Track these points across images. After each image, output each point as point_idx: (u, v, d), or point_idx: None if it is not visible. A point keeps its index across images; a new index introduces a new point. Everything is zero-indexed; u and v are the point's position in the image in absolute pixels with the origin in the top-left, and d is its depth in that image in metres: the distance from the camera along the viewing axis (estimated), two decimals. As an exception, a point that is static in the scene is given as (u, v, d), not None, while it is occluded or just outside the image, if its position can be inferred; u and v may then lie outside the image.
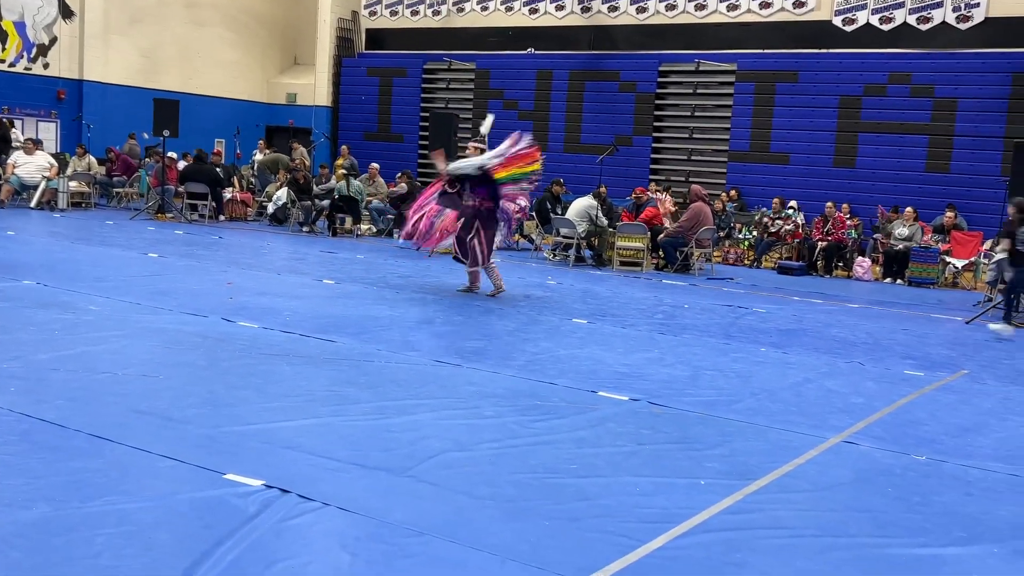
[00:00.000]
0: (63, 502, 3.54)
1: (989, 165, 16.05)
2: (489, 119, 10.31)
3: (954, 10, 16.77)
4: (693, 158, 19.28)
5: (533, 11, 21.22)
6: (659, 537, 3.56)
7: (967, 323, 10.35)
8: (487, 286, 9.99)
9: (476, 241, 9.60)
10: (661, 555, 3.41)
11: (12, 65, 20.14)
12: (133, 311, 7.55)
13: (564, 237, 14.35)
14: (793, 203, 16.92)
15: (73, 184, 17.33)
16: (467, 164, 9.64)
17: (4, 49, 19.98)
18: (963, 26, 16.76)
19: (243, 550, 3.21)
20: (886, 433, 5.30)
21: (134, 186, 19.08)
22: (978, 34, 16.65)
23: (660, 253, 14.47)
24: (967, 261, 14.70)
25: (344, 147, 19.97)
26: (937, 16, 16.95)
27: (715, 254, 15.53)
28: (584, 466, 4.37)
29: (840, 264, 15.41)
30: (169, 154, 17.79)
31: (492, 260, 9.80)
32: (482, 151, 9.67)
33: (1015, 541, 3.77)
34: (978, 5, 16.55)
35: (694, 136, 19.29)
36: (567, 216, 14.39)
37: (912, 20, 17.16)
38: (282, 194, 17.32)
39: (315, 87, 23.73)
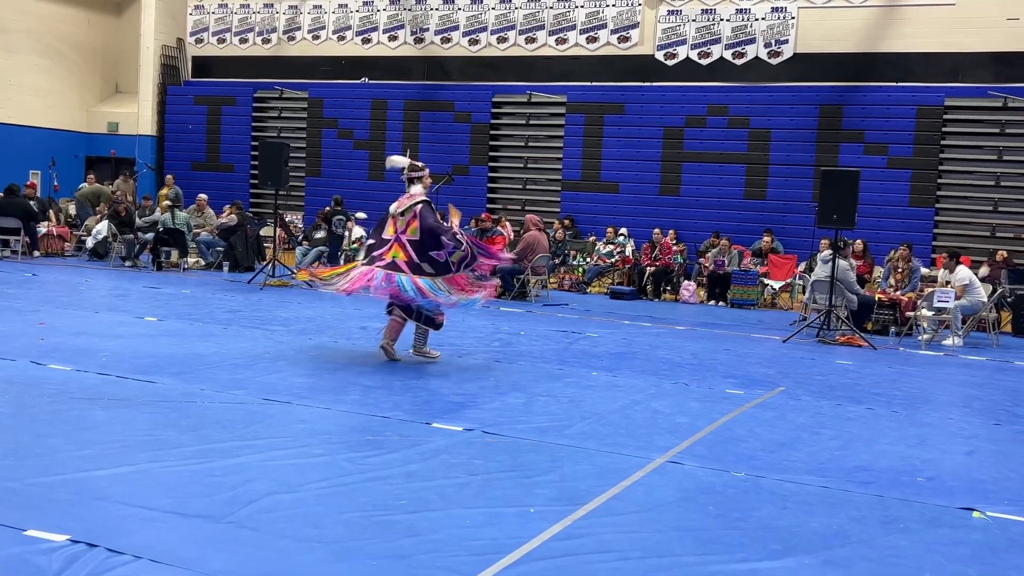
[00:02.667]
0: None
1: (801, 191, 17.07)
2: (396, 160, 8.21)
3: (765, 46, 17.80)
4: (528, 187, 19.62)
5: (366, 41, 21.14)
6: (488, 569, 3.54)
7: (784, 341, 10.92)
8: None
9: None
10: (490, 587, 3.40)
11: None
12: (-71, 357, 6.97)
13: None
14: (624, 230, 17.47)
15: None
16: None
17: None
18: (774, 61, 17.80)
19: (43, 613, 2.99)
20: (708, 451, 5.49)
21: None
22: (788, 69, 17.72)
23: (498, 281, 14.61)
24: (784, 282, 15.56)
25: (169, 176, 19.23)
26: (750, 51, 17.95)
27: (551, 281, 15.83)
28: (415, 501, 4.31)
29: (668, 288, 15.99)
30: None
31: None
32: (410, 181, 8.04)
33: (825, 552, 3.96)
34: (787, 41, 17.64)
35: (528, 166, 19.64)
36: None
37: (728, 55, 18.09)
38: (102, 227, 16.52)
39: (138, 116, 22.77)
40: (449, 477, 4.71)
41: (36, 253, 16.37)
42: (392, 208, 7.97)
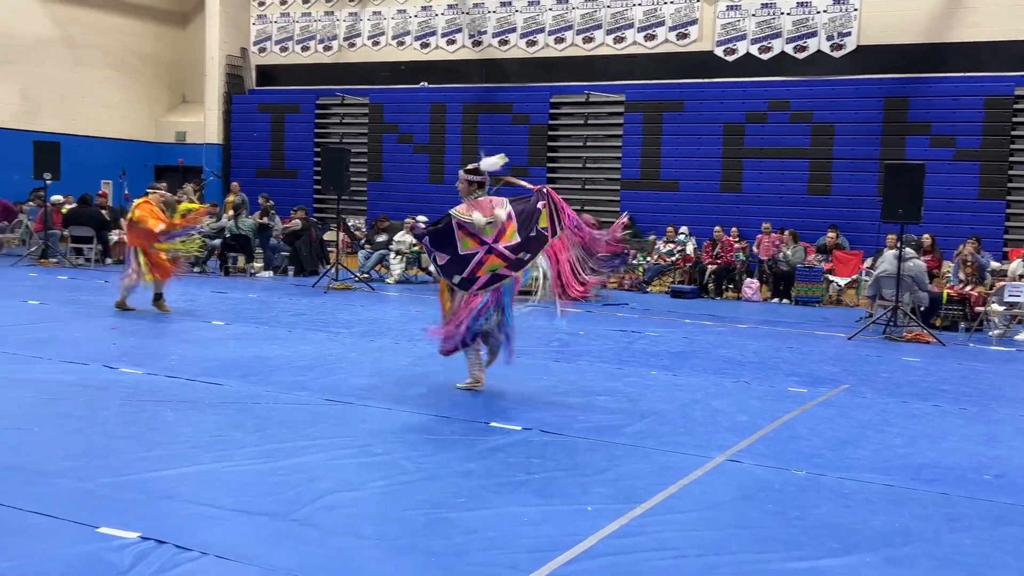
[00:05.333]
0: (-80, 568, 3.36)
1: (866, 186, 16.73)
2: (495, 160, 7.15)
3: (828, 39, 17.51)
4: (587, 187, 19.57)
5: (424, 45, 21.32)
6: (545, 566, 3.57)
7: (849, 339, 10.74)
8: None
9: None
10: (546, 584, 3.43)
11: None
12: (7, 361, 7.24)
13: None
14: (684, 228, 17.34)
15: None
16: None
17: None
18: (837, 54, 17.50)
19: (114, 607, 3.10)
20: (768, 450, 5.44)
21: (15, 232, 18.36)
22: (851, 61, 17.40)
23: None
24: (849, 279, 15.29)
25: (235, 184, 19.63)
26: (812, 45, 17.67)
27: (611, 280, 15.78)
28: (472, 499, 4.36)
29: (730, 286, 15.83)
30: (53, 198, 17.19)
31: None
32: (479, 185, 7.01)
33: (887, 549, 3.91)
34: (850, 34, 17.33)
35: (587, 166, 19.61)
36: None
37: (789, 49, 17.84)
38: (172, 235, 16.88)
39: (205, 125, 23.30)
40: (506, 476, 4.75)
41: (108, 260, 16.85)
42: (475, 221, 6.69)
